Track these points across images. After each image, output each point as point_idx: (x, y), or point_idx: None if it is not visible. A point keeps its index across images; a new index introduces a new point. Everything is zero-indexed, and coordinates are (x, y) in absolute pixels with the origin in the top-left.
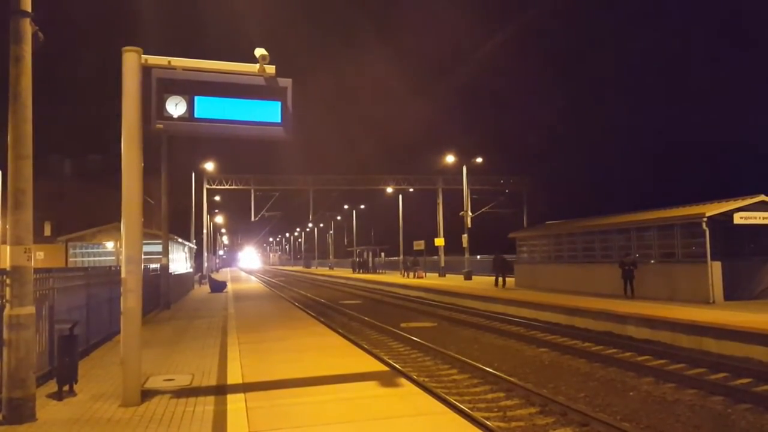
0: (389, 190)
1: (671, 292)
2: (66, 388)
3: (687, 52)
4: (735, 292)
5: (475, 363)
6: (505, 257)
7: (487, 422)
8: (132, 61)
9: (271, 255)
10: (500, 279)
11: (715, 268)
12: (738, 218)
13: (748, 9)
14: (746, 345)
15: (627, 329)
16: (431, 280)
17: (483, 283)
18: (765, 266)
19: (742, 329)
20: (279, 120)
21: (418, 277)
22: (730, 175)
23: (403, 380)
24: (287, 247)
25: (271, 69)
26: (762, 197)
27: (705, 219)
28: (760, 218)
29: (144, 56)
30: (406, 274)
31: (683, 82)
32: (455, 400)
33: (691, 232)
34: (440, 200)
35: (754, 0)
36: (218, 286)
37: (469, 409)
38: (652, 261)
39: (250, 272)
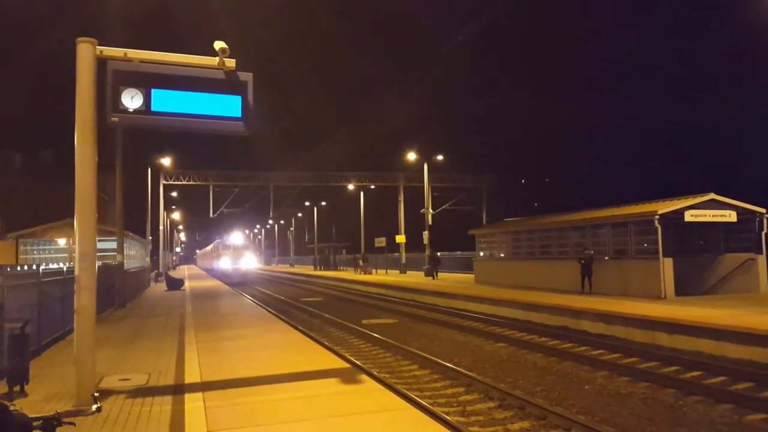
0: (351, 187)
1: (625, 287)
2: (17, 388)
3: (651, 51)
4: (686, 287)
5: (435, 359)
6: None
7: (447, 417)
8: (86, 52)
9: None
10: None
11: (667, 265)
12: (689, 216)
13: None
14: (696, 339)
15: (582, 324)
16: (392, 276)
17: (444, 279)
18: (714, 263)
19: (693, 324)
20: (239, 114)
21: (366, 274)
22: (687, 173)
23: (364, 377)
24: None
25: (231, 63)
26: (712, 196)
27: (657, 217)
28: (710, 216)
29: (99, 47)
30: (356, 270)
31: (650, 79)
32: (416, 396)
33: (644, 229)
34: (401, 197)
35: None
36: (175, 284)
37: (429, 404)
38: (606, 258)
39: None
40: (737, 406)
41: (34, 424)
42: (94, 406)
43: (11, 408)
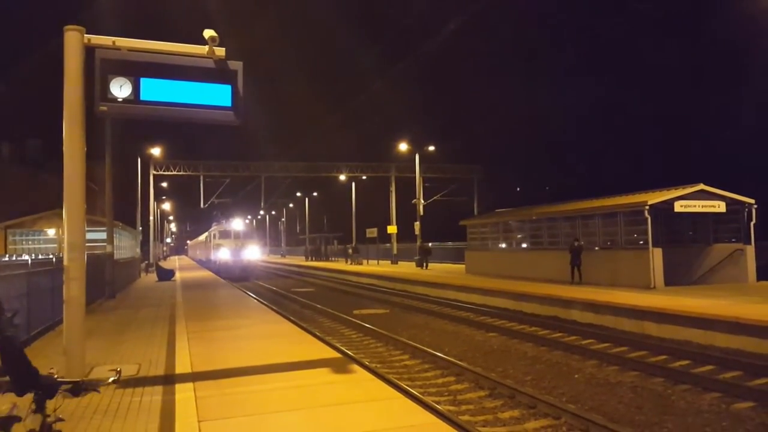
0: (342, 177)
1: (614, 277)
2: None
3: (640, 38)
4: (675, 277)
5: (426, 348)
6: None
7: (438, 406)
8: (74, 40)
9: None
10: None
11: (657, 255)
12: (678, 206)
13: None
14: (685, 328)
15: (572, 314)
16: (384, 267)
17: (435, 269)
18: (703, 253)
19: (681, 313)
20: (229, 104)
21: (357, 264)
22: (677, 163)
23: (355, 366)
24: None
25: (220, 51)
26: (701, 186)
27: (647, 207)
28: (699, 206)
29: (87, 36)
30: (347, 261)
31: (640, 69)
32: (407, 385)
33: (634, 219)
34: (393, 188)
35: None
36: (166, 275)
37: (420, 393)
38: (597, 248)
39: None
40: (725, 394)
41: (64, 387)
42: (111, 378)
43: (51, 372)
